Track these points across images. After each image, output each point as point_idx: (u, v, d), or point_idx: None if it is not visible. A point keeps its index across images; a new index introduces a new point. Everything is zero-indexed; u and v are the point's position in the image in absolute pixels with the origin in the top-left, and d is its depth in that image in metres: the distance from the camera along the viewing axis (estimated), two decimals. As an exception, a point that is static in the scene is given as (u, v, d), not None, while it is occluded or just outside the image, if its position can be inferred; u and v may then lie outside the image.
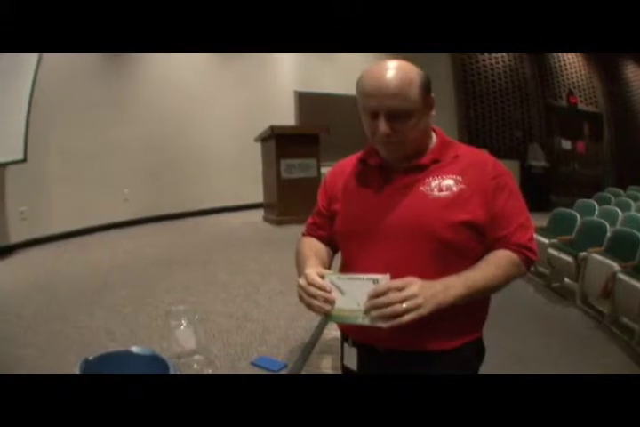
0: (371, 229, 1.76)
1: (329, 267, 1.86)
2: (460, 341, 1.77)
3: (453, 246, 1.69)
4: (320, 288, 1.58)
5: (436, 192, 1.71)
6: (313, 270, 1.65)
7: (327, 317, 1.61)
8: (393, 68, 1.64)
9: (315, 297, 1.58)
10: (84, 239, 7.89)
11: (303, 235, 2.05)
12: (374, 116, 1.67)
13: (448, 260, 1.69)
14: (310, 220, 2.04)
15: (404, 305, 1.46)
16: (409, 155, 1.76)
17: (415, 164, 1.76)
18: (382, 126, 1.65)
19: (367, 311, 1.51)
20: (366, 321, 1.53)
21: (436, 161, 1.76)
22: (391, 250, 1.72)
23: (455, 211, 1.68)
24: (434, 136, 1.83)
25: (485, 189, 1.70)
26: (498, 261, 1.68)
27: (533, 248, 1.74)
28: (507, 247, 1.71)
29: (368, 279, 1.52)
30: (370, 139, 1.76)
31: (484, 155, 1.83)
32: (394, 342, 1.73)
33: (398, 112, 1.64)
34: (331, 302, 1.57)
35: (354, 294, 1.54)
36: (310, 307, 1.60)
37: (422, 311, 1.48)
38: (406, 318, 1.47)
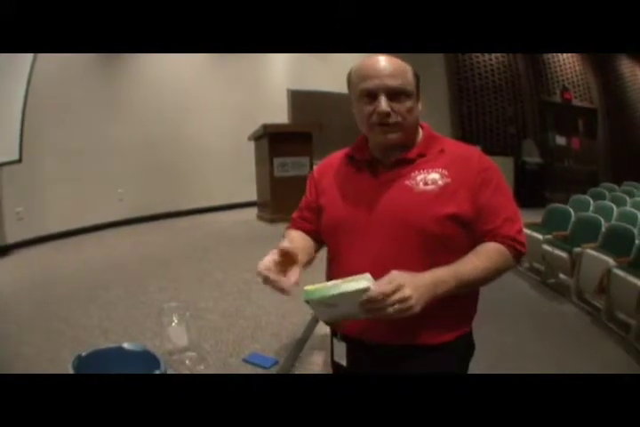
0: (357, 224, 1.76)
1: (312, 258, 1.87)
2: (450, 335, 1.78)
3: (439, 240, 1.69)
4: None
5: (421, 186, 1.72)
6: (269, 257, 1.62)
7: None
8: (387, 58, 1.71)
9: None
10: (80, 239, 7.89)
11: (288, 228, 2.04)
12: (373, 96, 1.69)
13: (435, 253, 1.69)
14: (296, 213, 2.04)
15: (397, 307, 1.41)
16: (401, 142, 1.76)
17: (401, 158, 1.77)
18: (383, 104, 1.68)
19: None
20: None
21: (421, 155, 1.77)
22: (377, 244, 1.72)
23: (440, 204, 1.68)
24: (420, 131, 1.85)
25: (471, 182, 1.71)
26: (487, 254, 1.67)
27: (522, 240, 1.74)
28: (495, 240, 1.70)
29: (356, 291, 1.42)
30: (365, 124, 1.76)
31: (469, 149, 1.83)
32: (383, 337, 1.74)
33: (398, 91, 1.68)
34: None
35: (343, 305, 1.48)
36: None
37: (414, 312, 1.44)
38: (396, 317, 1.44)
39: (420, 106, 1.77)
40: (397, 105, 1.68)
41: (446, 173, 1.72)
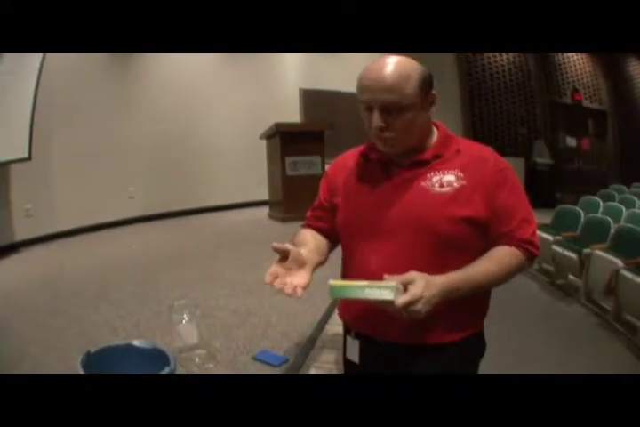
0: (371, 224, 1.76)
1: (325, 258, 1.87)
2: (461, 334, 1.78)
3: (453, 242, 1.69)
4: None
5: (437, 188, 1.71)
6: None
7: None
8: (391, 64, 1.64)
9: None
10: (89, 237, 7.91)
11: (302, 227, 2.04)
12: (370, 109, 1.68)
13: (448, 255, 1.69)
14: (310, 212, 2.04)
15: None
16: (406, 150, 1.76)
17: (416, 159, 1.76)
18: (376, 120, 1.66)
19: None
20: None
21: (437, 156, 1.76)
22: (391, 245, 1.72)
23: (456, 206, 1.68)
24: (435, 131, 1.83)
25: (487, 184, 1.70)
26: (501, 258, 1.68)
27: (536, 242, 1.74)
28: (510, 243, 1.70)
29: (381, 301, 1.46)
30: (368, 133, 1.76)
31: (485, 150, 1.82)
32: (395, 335, 1.75)
33: (392, 106, 1.64)
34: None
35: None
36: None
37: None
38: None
39: (432, 109, 1.75)
40: (393, 119, 1.65)
41: (462, 174, 1.71)
